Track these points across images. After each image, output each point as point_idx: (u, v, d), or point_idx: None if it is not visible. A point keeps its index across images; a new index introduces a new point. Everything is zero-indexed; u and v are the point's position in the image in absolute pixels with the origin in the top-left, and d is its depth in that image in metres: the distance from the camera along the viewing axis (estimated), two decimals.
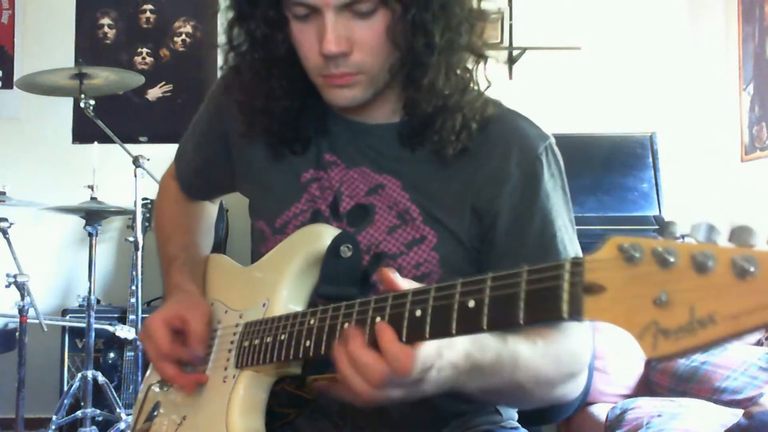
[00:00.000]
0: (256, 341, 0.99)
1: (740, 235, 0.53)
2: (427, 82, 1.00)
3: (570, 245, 1.05)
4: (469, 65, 1.06)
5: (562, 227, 1.05)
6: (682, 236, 0.58)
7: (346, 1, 0.95)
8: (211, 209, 1.40)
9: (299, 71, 1.05)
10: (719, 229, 0.55)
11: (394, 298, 0.81)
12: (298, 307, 1.01)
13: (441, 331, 0.76)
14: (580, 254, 1.07)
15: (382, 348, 0.79)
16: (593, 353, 1.22)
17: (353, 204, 1.08)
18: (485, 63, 1.06)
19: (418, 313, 0.78)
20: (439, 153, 1.04)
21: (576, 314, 0.63)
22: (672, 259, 0.56)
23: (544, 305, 0.66)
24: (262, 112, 1.09)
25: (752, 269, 0.51)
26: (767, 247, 0.53)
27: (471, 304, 0.73)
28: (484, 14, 1.05)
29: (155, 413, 1.14)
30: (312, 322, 0.90)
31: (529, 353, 0.92)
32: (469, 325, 0.74)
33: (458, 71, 1.03)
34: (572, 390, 1.03)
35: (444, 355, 0.81)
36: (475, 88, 1.07)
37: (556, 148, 1.09)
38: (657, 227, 3.17)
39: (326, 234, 1.02)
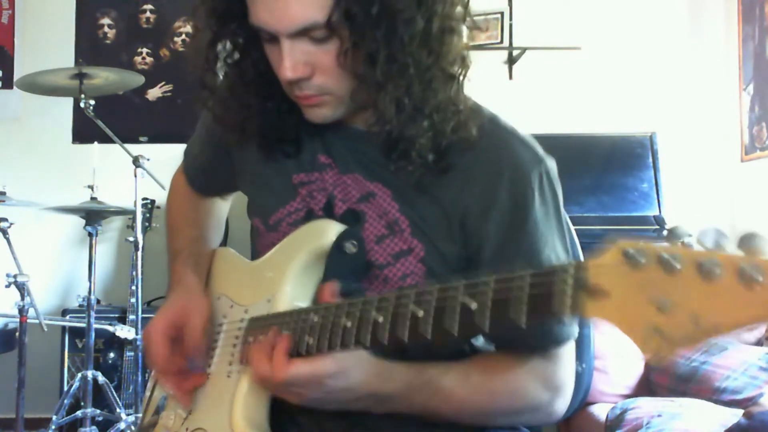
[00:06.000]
0: (261, 337, 0.99)
1: (749, 242, 0.53)
2: (372, 115, 0.99)
3: None
4: (442, 85, 0.98)
5: (551, 255, 1.01)
6: (688, 235, 0.57)
7: (297, 29, 0.94)
8: (222, 206, 1.40)
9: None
10: (727, 235, 0.54)
11: (396, 298, 0.82)
12: (303, 303, 1.02)
13: (443, 331, 0.77)
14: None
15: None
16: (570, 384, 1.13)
17: (345, 209, 1.08)
18: (459, 80, 1.00)
19: (421, 313, 0.79)
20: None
21: (578, 317, 0.63)
22: (677, 266, 0.56)
23: (547, 308, 0.67)
24: (249, 121, 1.09)
25: (759, 278, 0.51)
26: None
27: (473, 305, 0.74)
28: (455, 31, 0.98)
29: (162, 407, 1.16)
30: (315, 319, 0.91)
31: (451, 385, 0.97)
32: (471, 326, 0.74)
33: (408, 100, 0.95)
34: (527, 420, 1.06)
35: (336, 377, 0.89)
36: (452, 107, 1.00)
37: (551, 172, 1.03)
38: (657, 227, 3.17)
39: (331, 230, 1.02)
